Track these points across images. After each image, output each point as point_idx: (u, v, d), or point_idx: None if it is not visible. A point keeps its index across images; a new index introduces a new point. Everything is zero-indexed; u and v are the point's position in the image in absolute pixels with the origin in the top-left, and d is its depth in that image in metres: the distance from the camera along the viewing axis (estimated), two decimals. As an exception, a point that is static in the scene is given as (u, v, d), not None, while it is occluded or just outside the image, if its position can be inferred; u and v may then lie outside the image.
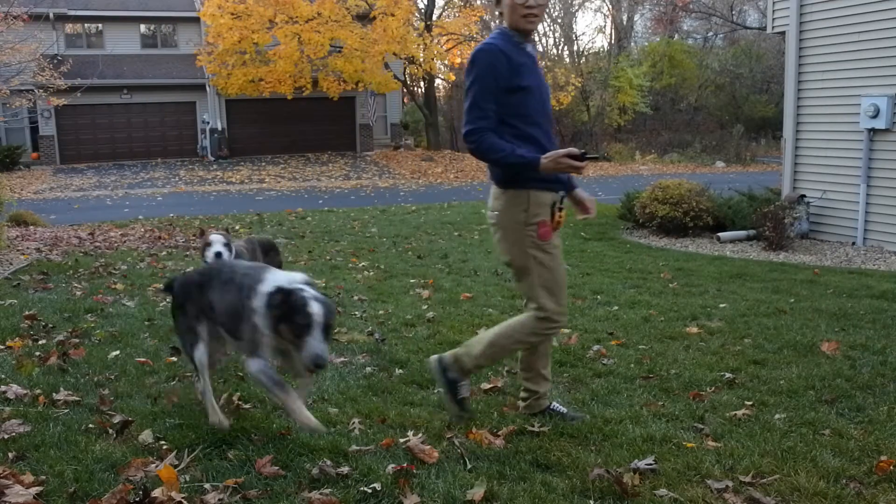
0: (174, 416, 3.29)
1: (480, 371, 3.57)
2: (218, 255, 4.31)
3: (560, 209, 3.03)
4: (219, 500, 2.57)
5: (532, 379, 3.34)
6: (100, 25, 26.23)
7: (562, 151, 2.83)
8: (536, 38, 37.01)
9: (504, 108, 2.92)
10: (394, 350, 4.48)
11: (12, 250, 8.40)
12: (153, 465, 2.75)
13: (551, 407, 3.38)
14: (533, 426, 3.24)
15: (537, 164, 2.84)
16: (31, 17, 14.95)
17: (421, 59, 25.23)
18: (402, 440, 3.05)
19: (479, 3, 30.77)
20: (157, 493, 2.52)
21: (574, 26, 43.72)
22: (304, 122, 26.64)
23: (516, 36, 3.00)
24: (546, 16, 37.71)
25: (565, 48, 36.18)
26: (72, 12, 23.97)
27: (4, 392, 3.52)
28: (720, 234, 9.37)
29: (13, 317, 5.14)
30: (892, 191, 8.33)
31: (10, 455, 2.85)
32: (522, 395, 3.41)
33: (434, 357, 3.28)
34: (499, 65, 2.90)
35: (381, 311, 5.54)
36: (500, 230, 3.08)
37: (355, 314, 5.45)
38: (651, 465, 2.84)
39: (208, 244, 4.38)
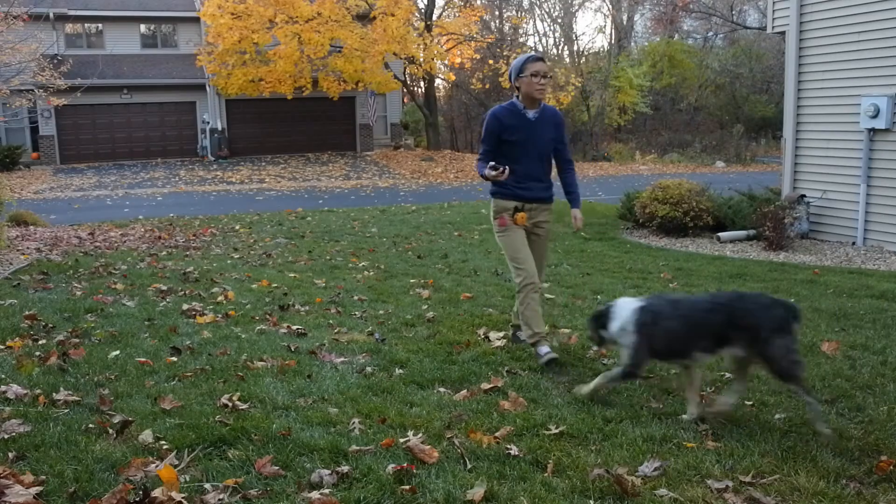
0: (174, 416, 3.30)
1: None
2: None
3: (518, 211, 4.33)
4: (219, 500, 2.57)
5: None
6: (100, 25, 26.22)
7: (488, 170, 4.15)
8: (536, 39, 37.11)
9: (498, 150, 4.34)
10: (394, 350, 4.48)
11: (12, 250, 8.40)
12: (153, 465, 2.75)
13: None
14: (533, 426, 3.24)
15: (484, 176, 4.22)
16: (31, 17, 14.94)
17: (421, 59, 25.21)
18: (402, 440, 3.06)
19: (479, 3, 30.78)
20: (157, 493, 2.52)
21: (574, 26, 43.78)
22: (304, 122, 26.63)
23: (519, 105, 4.30)
24: (546, 16, 37.72)
25: (565, 48, 36.17)
26: (72, 12, 23.96)
27: (4, 392, 3.53)
28: (720, 234, 9.36)
29: (13, 317, 5.14)
30: (892, 191, 8.32)
31: (10, 455, 2.85)
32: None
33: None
34: (491, 125, 4.33)
35: (381, 311, 5.54)
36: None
37: (355, 314, 5.45)
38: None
39: None
